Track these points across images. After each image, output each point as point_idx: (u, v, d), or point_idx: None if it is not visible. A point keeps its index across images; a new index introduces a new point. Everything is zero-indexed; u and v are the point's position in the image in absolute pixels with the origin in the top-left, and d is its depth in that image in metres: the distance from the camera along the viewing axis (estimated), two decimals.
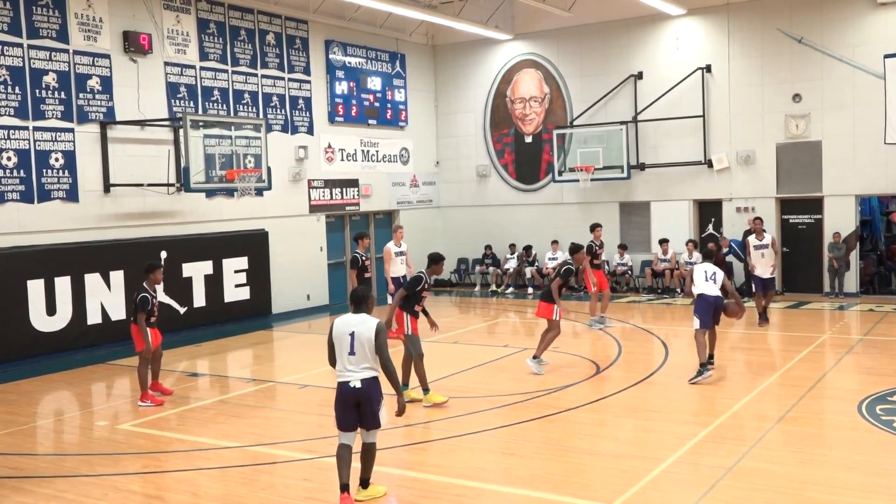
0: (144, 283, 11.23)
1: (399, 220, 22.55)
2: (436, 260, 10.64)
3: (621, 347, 13.96)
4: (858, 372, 11.88)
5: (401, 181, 22.72)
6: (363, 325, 6.95)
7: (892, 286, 18.78)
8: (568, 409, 10.13)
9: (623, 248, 20.89)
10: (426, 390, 10.36)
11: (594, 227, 16.33)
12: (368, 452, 7.20)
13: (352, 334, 6.93)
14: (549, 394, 10.93)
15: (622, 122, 20.75)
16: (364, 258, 14.37)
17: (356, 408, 6.99)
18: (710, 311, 11.41)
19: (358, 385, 6.92)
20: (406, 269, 15.43)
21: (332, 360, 7.10)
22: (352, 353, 6.92)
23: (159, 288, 15.99)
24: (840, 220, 18.87)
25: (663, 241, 20.13)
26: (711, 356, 11.69)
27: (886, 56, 17.21)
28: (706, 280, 11.65)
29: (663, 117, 20.51)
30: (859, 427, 9.09)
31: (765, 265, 15.42)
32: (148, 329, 11.18)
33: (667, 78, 20.43)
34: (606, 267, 21.15)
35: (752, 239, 15.61)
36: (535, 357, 12.15)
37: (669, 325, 16.33)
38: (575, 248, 12.99)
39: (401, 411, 7.27)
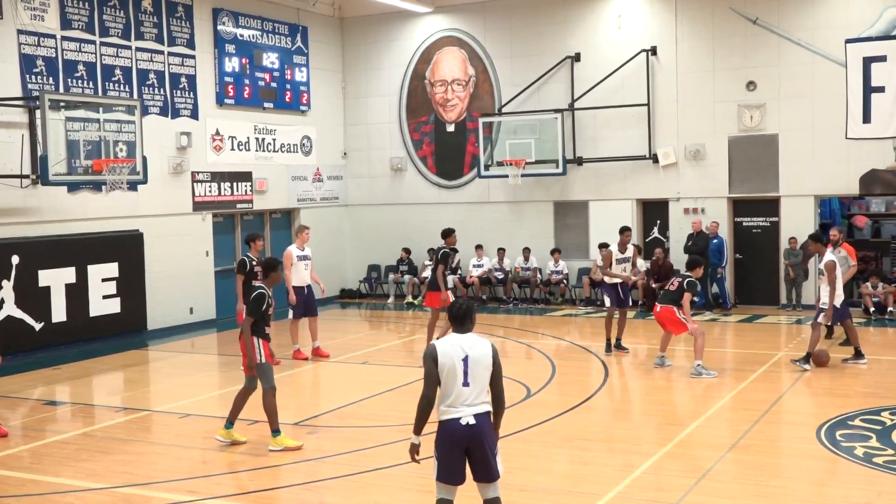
0: None
1: (300, 219, 22.33)
2: (272, 267, 10.47)
3: (555, 367, 14.11)
4: (817, 394, 12.28)
5: (302, 175, 22.54)
6: (477, 347, 6.49)
7: (853, 298, 19.48)
8: (512, 431, 10.14)
9: (558, 253, 21.14)
10: (276, 431, 10.00)
11: (625, 231, 15.63)
12: None
13: (465, 359, 6.44)
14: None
15: (557, 111, 21.02)
16: (254, 262, 14.15)
17: (464, 453, 6.48)
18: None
19: (472, 421, 6.40)
20: (310, 277, 15.30)
21: (433, 394, 6.48)
22: (466, 383, 6.42)
23: (10, 301, 15.59)
24: (798, 223, 19.49)
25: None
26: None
27: (848, 41, 17.87)
28: None
29: (603, 105, 20.85)
30: (818, 455, 9.39)
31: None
32: None
33: (607, 61, 20.77)
34: (539, 275, 21.41)
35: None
36: (698, 364, 13.25)
37: None
38: (695, 262, 13.79)
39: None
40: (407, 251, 22.83)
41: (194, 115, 19.55)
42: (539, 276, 21.43)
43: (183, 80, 19.28)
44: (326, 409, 11.74)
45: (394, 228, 23.30)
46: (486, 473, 6.47)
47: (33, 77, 16.29)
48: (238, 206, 20.70)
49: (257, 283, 10.21)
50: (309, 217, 22.51)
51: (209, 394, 13.23)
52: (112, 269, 17.47)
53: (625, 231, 15.54)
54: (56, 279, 16.47)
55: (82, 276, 16.94)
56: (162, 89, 18.79)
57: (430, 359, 6.45)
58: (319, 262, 22.55)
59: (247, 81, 20.76)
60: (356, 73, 23.71)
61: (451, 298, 14.12)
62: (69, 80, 16.90)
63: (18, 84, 16.08)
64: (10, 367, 14.76)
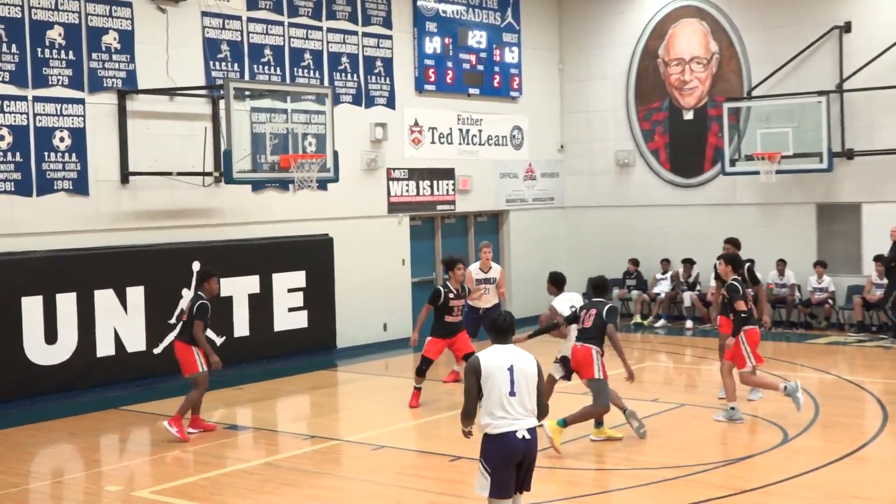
0: (199, 292, 12.75)
1: (508, 223, 22.48)
2: (574, 320, 11.98)
3: (818, 407, 13.58)
4: None
5: (512, 172, 22.70)
6: (522, 358, 7.38)
7: None
8: (743, 490, 9.91)
9: (822, 266, 20.35)
10: (598, 423, 11.83)
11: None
12: None
13: (510, 369, 7.26)
14: (717, 468, 10.72)
15: (821, 93, 20.27)
16: (451, 294, 14.20)
17: (517, 467, 7.30)
18: None
19: (528, 436, 7.26)
20: (496, 299, 15.37)
21: (473, 410, 7.35)
22: (512, 392, 7.23)
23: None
24: None
25: (880, 259, 19.50)
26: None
27: None
28: None
29: (880, 86, 19.98)
30: None
31: None
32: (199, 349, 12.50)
33: (885, 31, 19.95)
34: (798, 293, 20.60)
35: None
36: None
37: (890, 377, 15.80)
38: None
39: None
40: (635, 262, 22.55)
41: (390, 103, 20.05)
42: (797, 294, 20.69)
43: (378, 63, 19.82)
44: (540, 447, 11.68)
45: (619, 235, 23.09)
46: (526, 485, 7.43)
47: (217, 63, 17.15)
48: (438, 207, 21.06)
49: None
50: (518, 221, 22.64)
51: (405, 423, 13.48)
52: (299, 278, 18.07)
53: None
54: (238, 288, 17.14)
55: (267, 286, 17.60)
56: (355, 75, 19.37)
57: (472, 372, 7.33)
58: (530, 273, 22.72)
59: (449, 64, 21.10)
60: (576, 53, 23.68)
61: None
62: (255, 66, 17.68)
63: (202, 72, 16.94)
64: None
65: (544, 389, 7.52)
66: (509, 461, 7.21)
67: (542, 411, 7.49)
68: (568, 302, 12.31)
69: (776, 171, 20.32)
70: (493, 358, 7.33)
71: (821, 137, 20.06)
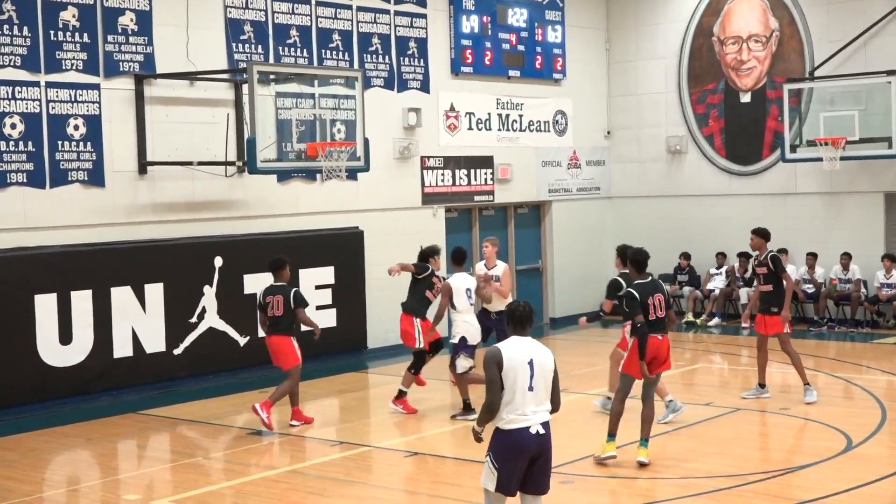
0: (279, 282, 13.66)
1: (551, 214, 22.46)
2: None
3: (885, 411, 13.50)
4: None
5: (555, 160, 22.68)
6: (542, 352, 7.57)
7: None
8: (803, 501, 9.88)
9: (890, 260, 20.21)
10: (611, 436, 11.27)
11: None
12: None
13: (530, 363, 7.44)
14: (774, 477, 10.68)
15: (890, 73, 20.11)
16: (437, 278, 14.64)
17: (527, 464, 7.43)
18: None
19: (541, 430, 7.44)
20: (502, 301, 14.80)
21: (498, 402, 7.42)
22: (531, 387, 7.42)
23: (212, 311, 16.57)
24: None
25: None
26: None
27: None
28: None
29: None
30: None
31: None
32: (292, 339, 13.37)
33: None
34: (864, 289, 20.50)
35: None
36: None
37: None
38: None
39: None
40: (687, 257, 22.49)
41: (425, 87, 20.09)
42: (863, 290, 20.57)
43: (412, 44, 19.86)
44: (581, 455, 11.71)
45: (670, 227, 23.02)
46: (541, 486, 7.56)
47: (240, 45, 17.25)
48: (476, 198, 21.08)
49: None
50: (562, 212, 22.63)
51: (439, 429, 13.54)
52: (327, 274, 18.17)
53: None
54: (263, 285, 17.11)
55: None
56: (387, 56, 19.42)
57: (494, 363, 7.40)
58: (574, 269, 22.73)
59: (488, 45, 21.10)
60: (624, 32, 23.64)
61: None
62: (280, 48, 17.78)
63: (224, 55, 17.05)
64: (211, 388, 15.76)
65: (559, 382, 7.63)
66: (521, 457, 7.37)
67: (557, 405, 7.63)
68: (465, 285, 14.14)
69: (841, 157, 20.22)
70: (515, 350, 7.46)
71: (890, 121, 19.93)
